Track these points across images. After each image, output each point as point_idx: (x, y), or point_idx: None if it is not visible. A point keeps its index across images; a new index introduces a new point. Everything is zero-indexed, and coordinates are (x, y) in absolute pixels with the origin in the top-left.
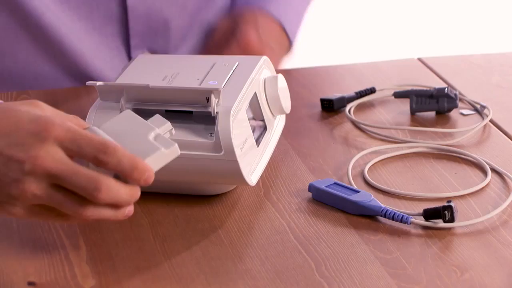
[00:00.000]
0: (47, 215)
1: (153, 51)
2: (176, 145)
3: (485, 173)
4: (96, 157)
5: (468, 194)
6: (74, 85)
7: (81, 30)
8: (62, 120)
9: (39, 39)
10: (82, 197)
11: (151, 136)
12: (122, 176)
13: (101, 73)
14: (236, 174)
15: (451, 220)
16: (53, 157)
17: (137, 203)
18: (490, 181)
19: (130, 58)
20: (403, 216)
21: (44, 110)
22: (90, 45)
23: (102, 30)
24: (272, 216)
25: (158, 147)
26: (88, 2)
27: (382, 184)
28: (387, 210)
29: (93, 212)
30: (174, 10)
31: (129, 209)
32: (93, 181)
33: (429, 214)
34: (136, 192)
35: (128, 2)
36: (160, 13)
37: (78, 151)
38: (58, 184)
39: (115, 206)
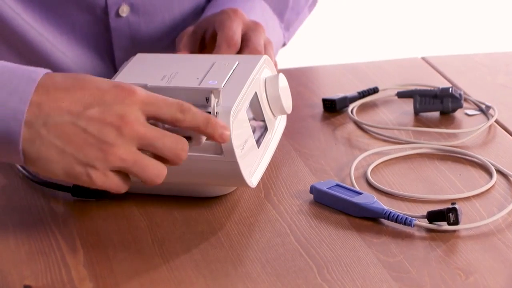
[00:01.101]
0: (123, 182)
1: (132, 5)
2: None
3: (490, 174)
4: (174, 116)
5: (473, 196)
6: None
7: (64, 44)
8: (140, 88)
9: (24, 55)
10: (164, 160)
11: None
12: (198, 131)
13: None
14: (236, 176)
15: (456, 222)
16: (141, 121)
17: (135, 205)
18: (495, 182)
19: (115, 69)
20: (406, 218)
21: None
22: (73, 58)
23: (84, 43)
24: (273, 218)
25: None
26: (69, 21)
27: (385, 186)
28: (390, 212)
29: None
30: (159, 32)
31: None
32: (180, 141)
33: (433, 217)
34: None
35: (111, 25)
36: (145, 34)
37: (158, 113)
38: (144, 148)
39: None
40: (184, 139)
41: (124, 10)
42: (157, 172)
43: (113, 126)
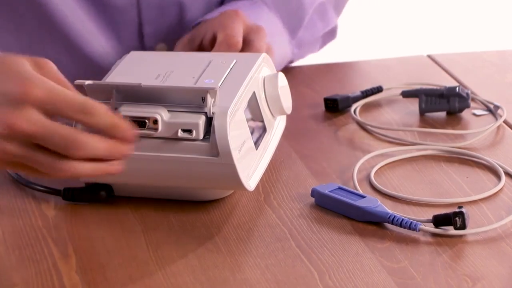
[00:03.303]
0: (24, 169)
1: (167, 42)
2: None
3: (498, 177)
4: (75, 117)
5: (481, 200)
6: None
7: (94, 23)
8: (42, 80)
9: (58, 38)
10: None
11: None
12: (103, 134)
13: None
14: (234, 179)
15: (463, 227)
16: (30, 120)
17: (129, 209)
18: (504, 185)
19: (143, 48)
20: (411, 222)
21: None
22: (102, 38)
23: (113, 20)
24: (273, 222)
25: None
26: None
27: (390, 189)
28: (394, 216)
29: (70, 167)
30: None
31: (115, 167)
32: (70, 139)
33: (439, 221)
34: (117, 147)
35: None
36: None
37: (56, 112)
38: (36, 143)
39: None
40: (78, 136)
41: None
42: (54, 165)
43: (2, 125)
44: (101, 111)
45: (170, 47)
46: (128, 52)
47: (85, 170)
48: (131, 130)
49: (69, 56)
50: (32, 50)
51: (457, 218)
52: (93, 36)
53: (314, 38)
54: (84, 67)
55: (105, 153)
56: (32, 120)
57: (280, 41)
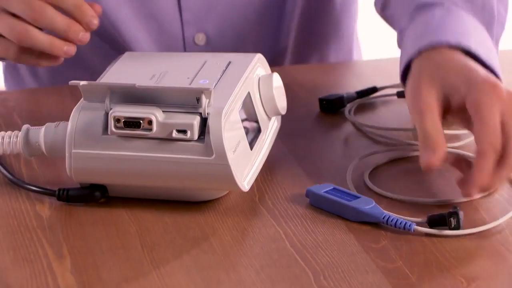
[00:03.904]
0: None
1: (206, 33)
2: None
3: None
4: None
5: (476, 200)
6: None
7: (132, 10)
8: None
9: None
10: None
11: None
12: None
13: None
14: (228, 179)
15: (457, 227)
16: None
17: (124, 210)
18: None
19: (184, 37)
20: (406, 223)
21: None
22: (141, 27)
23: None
24: (267, 223)
25: None
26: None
27: (384, 189)
28: (389, 216)
29: (29, 31)
30: None
31: (67, 48)
32: (35, 7)
33: (434, 221)
34: (74, 25)
35: None
36: None
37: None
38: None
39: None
40: (41, 5)
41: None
42: (13, 27)
43: None
44: None
45: (210, 38)
46: (168, 41)
47: (42, 39)
48: (95, 16)
49: (108, 43)
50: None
51: (451, 219)
52: (131, 24)
53: (504, 27)
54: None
55: (63, 27)
56: None
57: (493, 49)
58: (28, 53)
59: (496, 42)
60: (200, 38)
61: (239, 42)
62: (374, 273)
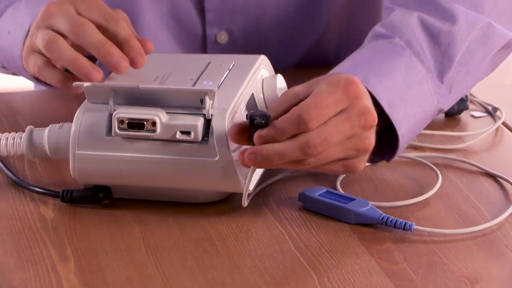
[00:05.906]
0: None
1: (230, 32)
2: None
3: (494, 178)
4: (97, 20)
5: (477, 199)
6: None
7: (154, 8)
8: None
9: None
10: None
11: None
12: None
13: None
14: (232, 180)
15: None
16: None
17: (128, 212)
18: (500, 186)
19: (205, 36)
20: (406, 223)
21: None
22: (163, 25)
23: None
24: (271, 224)
25: None
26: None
27: (386, 191)
28: (388, 217)
29: (56, 41)
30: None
31: (91, 70)
32: (76, 21)
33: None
34: (110, 47)
35: None
36: None
37: (86, 14)
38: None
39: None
40: (83, 21)
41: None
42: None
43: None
44: (123, 23)
45: (233, 36)
46: (190, 40)
47: (67, 49)
48: (143, 54)
49: None
50: None
51: None
52: (154, 26)
53: (469, 75)
54: None
55: (97, 45)
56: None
57: (416, 94)
58: (51, 67)
59: (448, 88)
60: (223, 37)
61: (260, 40)
62: (378, 275)
